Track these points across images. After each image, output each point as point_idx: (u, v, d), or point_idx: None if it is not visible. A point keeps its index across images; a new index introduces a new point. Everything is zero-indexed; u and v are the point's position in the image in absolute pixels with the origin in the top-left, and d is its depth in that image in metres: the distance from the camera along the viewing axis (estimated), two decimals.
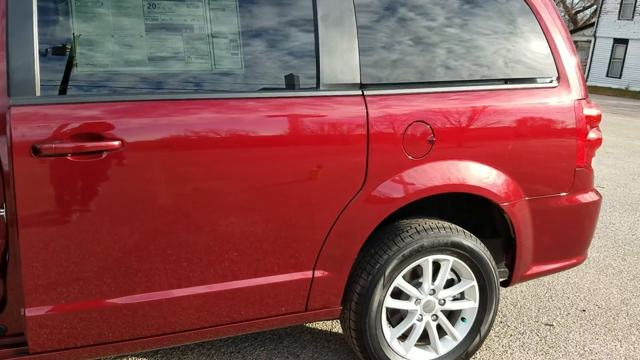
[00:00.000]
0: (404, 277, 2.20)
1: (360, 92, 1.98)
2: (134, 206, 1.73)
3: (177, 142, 1.73)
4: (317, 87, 1.92)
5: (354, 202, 1.99)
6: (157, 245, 1.78)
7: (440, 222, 2.22)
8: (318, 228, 1.97)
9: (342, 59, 1.95)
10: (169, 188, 1.75)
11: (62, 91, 1.67)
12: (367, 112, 1.96)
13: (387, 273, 2.11)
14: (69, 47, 1.68)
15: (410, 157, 2.04)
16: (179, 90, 1.78)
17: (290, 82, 1.90)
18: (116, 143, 1.67)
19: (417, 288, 2.22)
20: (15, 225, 1.62)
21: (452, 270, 2.29)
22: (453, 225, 2.23)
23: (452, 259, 2.22)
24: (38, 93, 1.61)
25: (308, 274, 2.01)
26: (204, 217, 1.80)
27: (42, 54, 1.63)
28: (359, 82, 1.98)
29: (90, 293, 1.75)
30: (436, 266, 2.25)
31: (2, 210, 1.69)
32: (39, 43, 1.62)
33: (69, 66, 1.67)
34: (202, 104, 1.78)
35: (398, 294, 2.23)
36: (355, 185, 1.98)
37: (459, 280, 2.32)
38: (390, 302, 2.19)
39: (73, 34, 1.67)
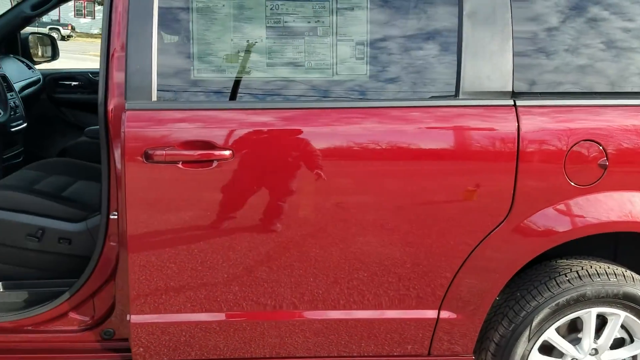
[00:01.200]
0: (557, 330, 1.78)
1: (511, 102, 1.62)
2: (252, 216, 1.60)
3: (304, 153, 1.57)
4: (456, 96, 1.61)
5: (497, 232, 1.64)
6: (284, 258, 1.63)
7: (609, 266, 1.76)
8: (449, 259, 1.66)
9: (491, 63, 1.61)
10: (272, 197, 1.59)
11: (177, 97, 1.59)
12: (518, 125, 1.60)
13: (534, 323, 1.72)
14: (187, 51, 1.59)
15: (573, 184, 1.62)
16: (300, 97, 1.61)
17: (422, 89, 1.63)
18: (227, 153, 1.54)
19: (573, 345, 1.79)
20: (124, 230, 1.58)
21: (623, 327, 1.80)
22: (628, 272, 1.76)
23: (623, 313, 1.75)
24: (154, 98, 1.55)
25: (431, 313, 1.71)
26: (340, 232, 1.62)
27: (160, 58, 1.56)
28: (510, 90, 1.62)
29: (199, 304, 1.66)
30: (601, 320, 1.79)
31: (115, 213, 1.67)
32: (158, 46, 1.55)
33: (186, 71, 1.59)
34: (314, 114, 1.59)
35: (548, 350, 1.81)
36: (499, 213, 1.63)
37: (632, 340, 1.82)
38: (537, 359, 1.78)
39: (192, 37, 1.58)
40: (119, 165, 1.60)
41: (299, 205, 1.60)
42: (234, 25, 1.60)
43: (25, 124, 2.47)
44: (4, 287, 1.86)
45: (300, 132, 1.57)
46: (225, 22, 1.60)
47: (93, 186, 2.16)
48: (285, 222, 1.60)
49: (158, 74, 1.55)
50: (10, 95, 2.29)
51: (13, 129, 2.24)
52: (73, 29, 29.56)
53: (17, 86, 2.62)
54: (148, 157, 1.52)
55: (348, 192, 1.60)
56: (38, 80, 2.99)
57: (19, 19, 2.85)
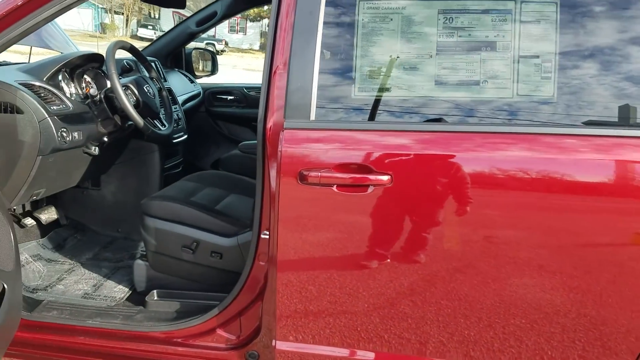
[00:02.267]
0: None
1: None
2: (395, 244, 1.47)
3: (459, 180, 1.40)
4: None
5: None
6: (433, 292, 1.48)
7: None
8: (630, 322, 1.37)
9: None
10: (428, 227, 1.45)
11: (336, 116, 1.51)
12: None
13: None
14: (349, 68, 1.50)
15: None
16: (473, 120, 1.44)
17: (623, 116, 1.36)
18: (385, 178, 1.42)
19: None
20: (274, 250, 1.52)
21: None
22: None
23: None
24: (312, 117, 1.47)
25: None
26: (491, 270, 1.44)
27: (322, 76, 1.48)
28: None
29: (350, 336, 1.55)
30: None
31: (266, 232, 1.63)
32: (320, 64, 1.48)
33: (347, 90, 1.50)
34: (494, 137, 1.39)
35: None
36: None
37: None
38: None
39: (355, 54, 1.49)
40: (273, 184, 1.55)
41: (450, 236, 1.44)
42: (401, 40, 1.48)
43: (185, 136, 2.59)
44: (158, 295, 1.92)
45: (479, 159, 1.39)
46: (392, 38, 1.48)
47: (245, 201, 2.17)
48: (434, 254, 1.45)
49: (318, 92, 1.48)
50: (175, 108, 2.41)
51: (175, 141, 2.35)
52: (226, 44, 32.01)
53: (180, 99, 2.76)
54: (303, 178, 1.45)
55: (502, 226, 1.41)
56: (198, 94, 3.15)
57: (185, 34, 3.03)
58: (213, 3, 2.95)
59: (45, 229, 2.33)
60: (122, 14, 31.12)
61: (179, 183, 2.19)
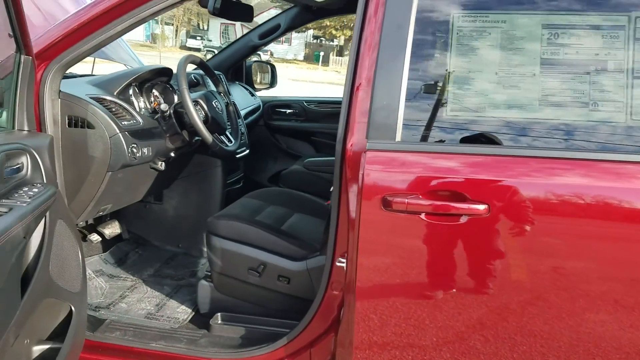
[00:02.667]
0: None
1: None
2: (485, 278, 1.35)
3: (573, 214, 1.28)
4: None
5: None
6: (505, 327, 1.36)
7: None
8: None
9: None
10: (524, 262, 1.32)
11: (425, 138, 1.39)
12: None
13: None
14: (441, 86, 1.39)
15: None
16: (575, 146, 1.31)
17: None
18: (481, 207, 1.29)
19: None
20: (352, 280, 1.42)
21: None
22: None
23: None
24: (398, 138, 1.36)
25: None
26: (564, 304, 1.31)
27: (409, 94, 1.37)
28: None
29: None
30: None
31: (342, 260, 1.52)
32: (408, 81, 1.37)
33: (437, 109, 1.38)
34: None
35: None
36: None
37: None
38: None
39: (447, 70, 1.37)
40: (352, 209, 1.45)
41: (509, 268, 1.33)
42: (500, 57, 1.35)
43: (248, 151, 2.53)
44: (222, 319, 1.84)
45: (600, 189, 1.26)
46: (489, 54, 1.36)
47: (310, 221, 2.07)
48: (500, 287, 1.33)
49: (405, 111, 1.37)
50: (239, 123, 2.35)
51: (238, 156, 2.28)
52: (272, 54, 32.41)
53: (241, 113, 2.71)
54: (387, 204, 1.34)
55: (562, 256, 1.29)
56: (258, 107, 3.09)
57: (247, 47, 2.99)
58: (276, 16, 2.90)
59: (107, 243, 2.30)
60: (172, 24, 31.95)
61: (242, 200, 2.12)
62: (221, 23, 31.83)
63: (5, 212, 1.13)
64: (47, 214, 1.37)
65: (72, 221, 1.55)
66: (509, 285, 1.34)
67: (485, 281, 1.35)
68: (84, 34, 1.63)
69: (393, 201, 1.33)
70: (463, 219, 1.31)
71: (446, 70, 1.38)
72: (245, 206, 2.06)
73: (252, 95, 3.13)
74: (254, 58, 3.37)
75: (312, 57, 30.44)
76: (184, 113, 1.92)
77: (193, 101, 1.93)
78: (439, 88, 1.39)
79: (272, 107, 3.23)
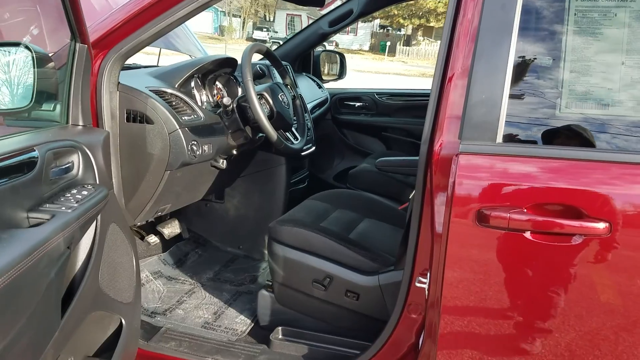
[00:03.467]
0: None
1: None
2: (603, 311, 1.12)
3: None
4: None
5: None
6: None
7: None
8: None
9: None
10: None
11: (532, 140, 1.15)
12: None
13: None
14: (553, 78, 1.14)
15: None
16: None
17: None
18: (601, 226, 1.05)
19: None
20: (436, 302, 1.21)
21: None
22: None
23: None
24: (499, 139, 1.13)
25: None
26: None
27: (515, 87, 1.14)
28: None
29: None
30: None
31: (424, 281, 1.31)
32: (513, 71, 1.13)
33: (549, 105, 1.14)
34: None
35: None
36: None
37: None
38: None
39: (562, 59, 1.13)
40: (438, 222, 1.23)
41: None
42: (628, 43, 1.09)
43: (314, 148, 2.35)
44: (283, 334, 1.67)
45: None
46: (614, 40, 1.10)
47: (382, 228, 1.87)
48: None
49: (509, 107, 1.13)
50: (305, 118, 2.17)
51: (304, 153, 2.10)
52: (337, 44, 32.16)
53: (308, 106, 2.53)
54: (483, 218, 1.11)
55: None
56: (326, 100, 2.90)
57: (317, 35, 2.80)
58: (348, 1, 2.69)
59: (166, 243, 2.20)
60: (240, 17, 32.36)
61: (307, 203, 1.94)
62: (287, 14, 31.95)
63: (47, 220, 1.00)
64: (98, 218, 1.25)
65: (126, 225, 1.42)
66: (632, 319, 1.09)
67: (603, 314, 1.11)
68: (144, 20, 1.49)
69: (491, 215, 1.10)
70: (577, 239, 1.07)
71: (560, 58, 1.13)
72: (310, 210, 1.88)
73: (320, 87, 2.94)
74: (320, 48, 3.16)
75: (378, 48, 29.90)
76: (247, 107, 1.76)
77: (258, 94, 1.77)
78: (550, 80, 1.15)
79: (340, 100, 3.04)
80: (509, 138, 1.14)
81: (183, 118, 1.63)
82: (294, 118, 2.02)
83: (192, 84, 1.78)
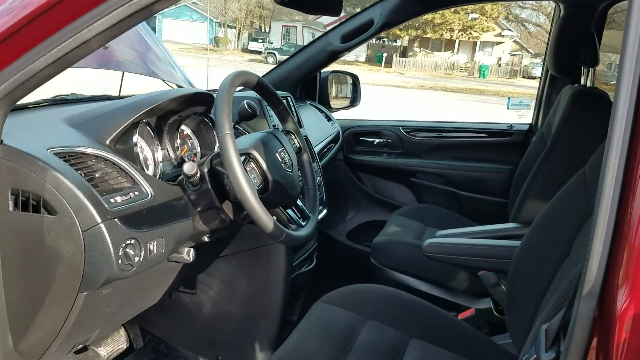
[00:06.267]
0: None
1: None
2: None
3: None
4: None
5: None
6: None
7: None
8: None
9: None
10: None
11: None
12: None
13: None
14: None
15: None
16: None
17: None
18: None
19: None
20: None
21: None
22: None
23: None
24: None
25: None
26: None
27: None
28: None
29: None
30: None
31: None
32: None
33: None
34: None
35: None
36: None
37: None
38: None
39: None
40: None
41: None
42: None
43: (325, 211, 1.68)
44: None
45: None
46: None
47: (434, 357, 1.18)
48: None
49: None
50: (316, 182, 1.46)
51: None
52: None
53: (316, 148, 1.85)
54: None
55: None
56: (337, 136, 2.22)
57: (325, 53, 2.12)
58: (368, 8, 2.03)
59: None
60: (235, 27, 31.74)
61: (319, 313, 1.26)
62: (283, 25, 31.38)
63: None
64: None
65: None
66: None
67: None
68: (35, 39, 0.82)
69: None
70: None
71: None
72: (326, 327, 1.19)
73: (329, 119, 2.27)
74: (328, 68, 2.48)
75: (374, 59, 29.31)
76: (225, 175, 1.08)
77: (243, 154, 1.10)
78: None
79: (355, 135, 2.36)
80: None
81: (113, 200, 0.95)
82: (301, 183, 1.33)
83: (136, 136, 1.10)
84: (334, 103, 2.44)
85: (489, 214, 2.19)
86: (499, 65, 28.00)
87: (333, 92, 2.54)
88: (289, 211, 1.26)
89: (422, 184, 2.28)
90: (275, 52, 24.55)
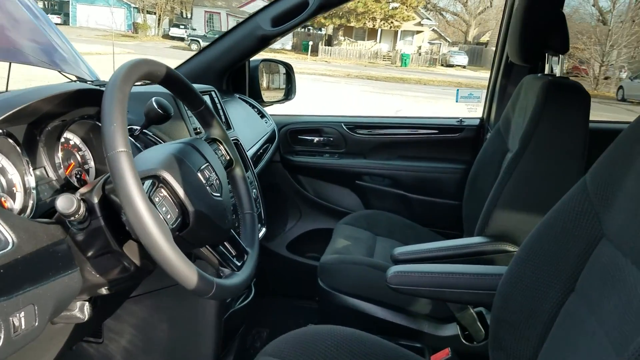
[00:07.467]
0: None
1: None
2: None
3: None
4: None
5: None
6: None
7: None
8: None
9: None
10: None
11: None
12: None
13: None
14: None
15: None
16: None
17: None
18: None
19: None
20: None
21: None
22: None
23: None
24: None
25: None
26: None
27: None
28: None
29: None
30: None
31: None
32: None
33: None
34: None
35: None
36: None
37: None
38: None
39: None
40: None
41: None
42: None
43: (265, 229, 1.40)
44: None
45: None
46: None
47: None
48: None
49: None
50: (253, 204, 1.13)
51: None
52: None
53: (250, 152, 1.55)
54: None
55: None
56: (273, 135, 1.92)
57: (255, 38, 1.81)
58: None
59: None
60: (154, 13, 30.31)
61: None
62: (205, 11, 30.29)
63: None
64: None
65: None
66: None
67: None
68: None
69: None
70: None
71: None
72: None
73: (262, 115, 1.96)
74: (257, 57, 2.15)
75: (300, 47, 28.96)
76: (123, 211, 0.76)
77: (148, 177, 0.79)
78: None
79: (293, 133, 2.08)
80: None
81: None
82: (233, 204, 1.03)
83: None
84: (266, 96, 2.13)
85: (441, 218, 1.99)
86: (419, 54, 28.48)
87: (264, 83, 2.24)
88: (222, 248, 0.95)
89: (368, 187, 2.04)
90: (199, 40, 23.58)
